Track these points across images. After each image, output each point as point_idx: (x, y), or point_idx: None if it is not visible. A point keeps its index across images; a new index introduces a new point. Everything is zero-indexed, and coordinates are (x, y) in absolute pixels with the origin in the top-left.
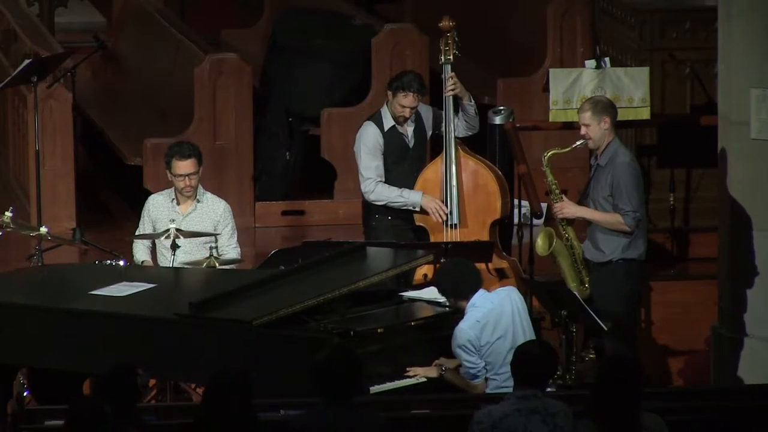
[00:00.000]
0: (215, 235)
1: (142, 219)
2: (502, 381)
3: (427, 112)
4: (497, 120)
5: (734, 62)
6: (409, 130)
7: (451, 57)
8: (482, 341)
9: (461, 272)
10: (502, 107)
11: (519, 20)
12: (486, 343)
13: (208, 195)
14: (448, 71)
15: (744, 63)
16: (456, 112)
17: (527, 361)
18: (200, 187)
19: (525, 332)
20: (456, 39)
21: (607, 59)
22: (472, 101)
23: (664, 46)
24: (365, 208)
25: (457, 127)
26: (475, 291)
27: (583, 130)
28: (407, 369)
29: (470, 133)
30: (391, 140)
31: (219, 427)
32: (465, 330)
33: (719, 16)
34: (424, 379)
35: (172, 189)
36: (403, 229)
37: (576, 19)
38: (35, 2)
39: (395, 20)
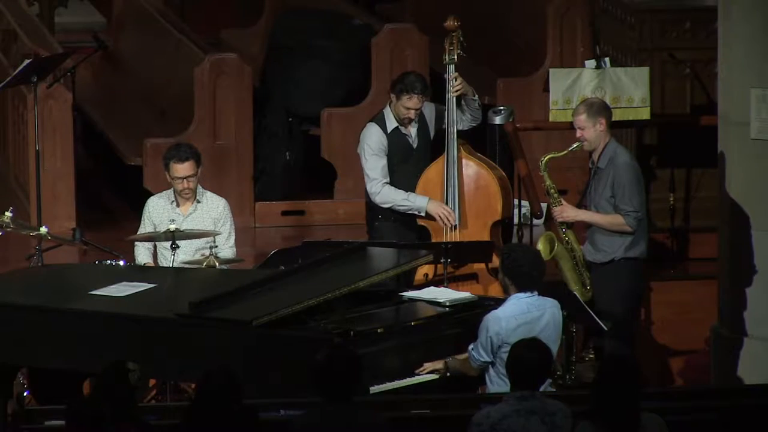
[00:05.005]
0: (215, 234)
1: (142, 222)
2: None
3: (430, 110)
4: (497, 120)
5: (734, 62)
6: (412, 130)
7: (455, 57)
8: (510, 339)
9: (532, 263)
10: (502, 107)
11: (519, 20)
12: (512, 341)
13: (208, 194)
14: (451, 71)
15: (744, 63)
16: (459, 106)
17: (521, 366)
18: (199, 186)
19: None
20: (461, 39)
21: (607, 59)
22: (476, 95)
23: (664, 46)
24: (368, 209)
25: (461, 120)
26: (532, 288)
27: (578, 133)
28: (419, 367)
29: (474, 125)
30: (395, 141)
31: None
32: (501, 319)
33: (719, 16)
34: (426, 379)
35: (172, 190)
36: (405, 229)
37: (576, 19)
38: (35, 2)
39: (395, 20)
